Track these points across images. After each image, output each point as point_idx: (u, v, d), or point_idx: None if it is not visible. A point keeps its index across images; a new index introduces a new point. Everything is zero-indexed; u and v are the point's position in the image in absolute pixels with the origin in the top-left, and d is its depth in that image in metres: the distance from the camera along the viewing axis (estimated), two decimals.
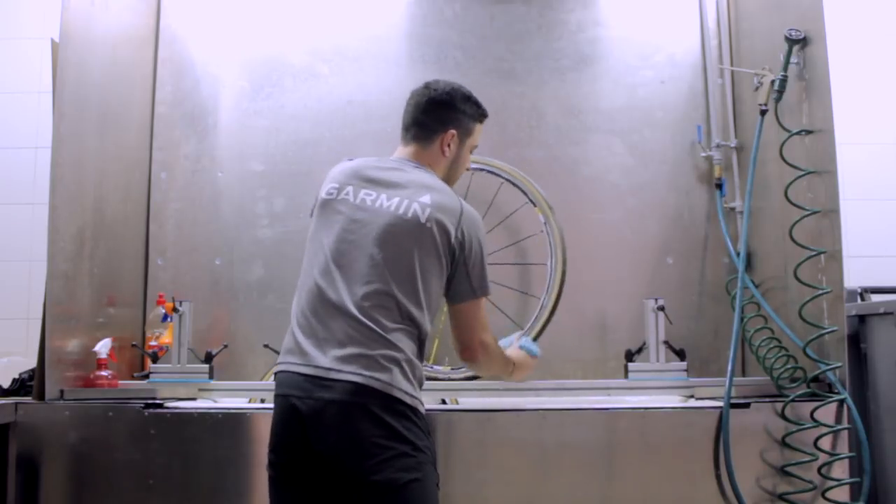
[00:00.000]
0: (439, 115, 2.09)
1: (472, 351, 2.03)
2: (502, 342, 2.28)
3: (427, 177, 2.03)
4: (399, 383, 1.84)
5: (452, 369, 2.80)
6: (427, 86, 2.12)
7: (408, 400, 1.85)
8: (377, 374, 1.82)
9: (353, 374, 1.82)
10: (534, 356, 2.28)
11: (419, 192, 1.97)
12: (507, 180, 2.89)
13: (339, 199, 2.00)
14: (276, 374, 1.94)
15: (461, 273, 1.98)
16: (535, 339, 2.67)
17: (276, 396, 1.91)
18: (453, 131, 2.09)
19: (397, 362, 1.85)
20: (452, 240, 1.94)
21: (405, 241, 1.92)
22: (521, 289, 2.99)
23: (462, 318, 2.03)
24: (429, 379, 2.70)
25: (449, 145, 2.09)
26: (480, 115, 2.16)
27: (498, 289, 2.84)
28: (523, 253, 3.01)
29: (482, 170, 2.89)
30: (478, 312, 2.03)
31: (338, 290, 1.89)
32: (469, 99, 2.13)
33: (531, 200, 2.87)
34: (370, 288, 1.89)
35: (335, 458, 1.81)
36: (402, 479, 1.79)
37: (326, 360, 1.84)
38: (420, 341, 1.94)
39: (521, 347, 2.28)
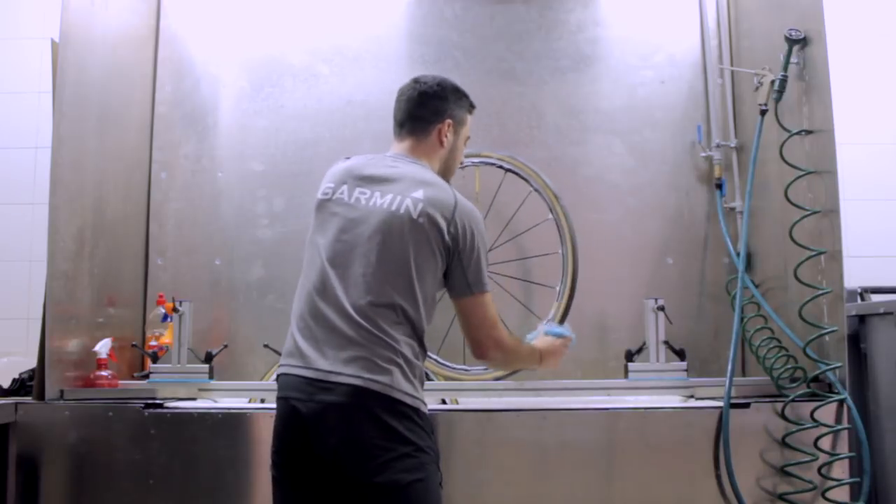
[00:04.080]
0: (434, 107, 2.08)
1: (482, 348, 1.99)
2: (529, 336, 2.27)
3: (422, 171, 2.02)
4: (400, 385, 1.84)
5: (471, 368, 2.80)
6: (416, 80, 2.11)
7: (409, 401, 1.84)
8: (377, 377, 1.82)
9: (353, 376, 1.81)
10: (564, 337, 2.26)
11: (412, 188, 1.95)
12: (509, 170, 2.87)
13: (334, 199, 1.99)
14: (277, 376, 1.94)
15: (457, 268, 1.95)
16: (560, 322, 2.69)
17: (278, 399, 1.91)
18: (449, 121, 2.09)
19: (397, 364, 1.85)
20: (446, 235, 1.92)
21: (399, 238, 1.91)
22: (525, 286, 3.00)
23: (465, 314, 1.99)
24: (448, 379, 2.71)
25: (447, 135, 2.09)
26: (470, 105, 2.17)
27: (508, 282, 2.86)
28: (524, 250, 3.01)
29: (485, 163, 2.89)
30: (481, 309, 1.97)
31: (335, 292, 1.89)
32: (458, 90, 2.13)
33: (535, 189, 2.85)
34: (367, 288, 1.88)
35: (337, 461, 1.80)
36: (404, 480, 1.79)
37: (326, 362, 1.84)
38: (419, 339, 1.94)
39: (547, 334, 2.26)
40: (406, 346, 1.88)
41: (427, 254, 1.91)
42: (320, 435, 1.81)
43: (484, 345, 1.99)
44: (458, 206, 1.96)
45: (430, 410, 1.91)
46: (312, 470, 1.84)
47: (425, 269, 1.92)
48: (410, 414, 1.84)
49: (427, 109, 2.08)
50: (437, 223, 1.91)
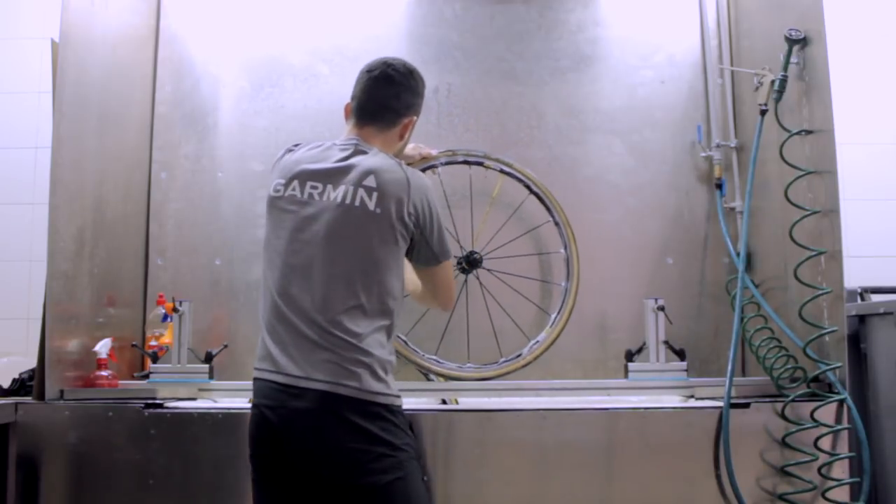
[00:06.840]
0: (406, 101, 2.04)
1: (447, 305, 2.19)
2: None
3: (372, 158, 1.96)
4: (369, 385, 1.82)
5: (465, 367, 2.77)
6: (388, 65, 2.04)
7: (381, 399, 1.83)
8: (346, 381, 1.80)
9: (321, 381, 1.80)
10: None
11: (363, 177, 1.91)
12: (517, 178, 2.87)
13: (285, 195, 1.95)
14: (253, 380, 1.93)
15: (421, 242, 1.97)
16: (564, 326, 2.73)
17: (252, 405, 1.91)
18: (415, 118, 2.07)
19: (365, 364, 1.83)
20: (406, 218, 1.91)
21: (358, 231, 1.88)
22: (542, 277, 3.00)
23: (431, 280, 2.10)
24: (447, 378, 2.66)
25: (409, 131, 2.07)
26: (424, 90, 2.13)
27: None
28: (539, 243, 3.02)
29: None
30: (445, 272, 2.07)
31: (298, 296, 1.86)
32: (423, 81, 2.09)
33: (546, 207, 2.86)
34: (330, 291, 1.85)
35: (312, 468, 1.79)
36: (383, 481, 1.78)
37: (296, 367, 1.82)
38: (388, 330, 1.91)
39: None
40: (375, 342, 1.86)
41: (390, 242, 1.90)
42: (292, 442, 1.80)
43: (448, 303, 2.18)
44: (410, 184, 1.93)
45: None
46: (289, 474, 1.83)
47: (390, 259, 1.90)
48: (384, 413, 1.82)
49: (400, 102, 2.03)
50: (395, 210, 1.89)
